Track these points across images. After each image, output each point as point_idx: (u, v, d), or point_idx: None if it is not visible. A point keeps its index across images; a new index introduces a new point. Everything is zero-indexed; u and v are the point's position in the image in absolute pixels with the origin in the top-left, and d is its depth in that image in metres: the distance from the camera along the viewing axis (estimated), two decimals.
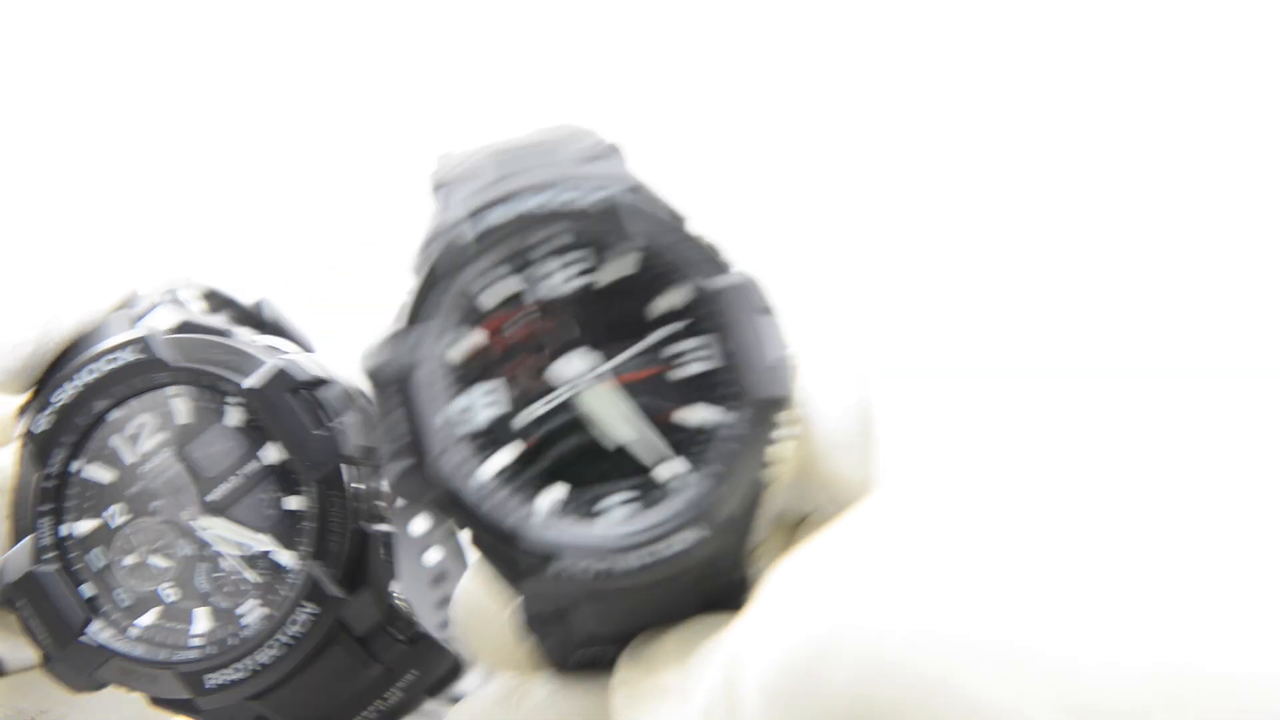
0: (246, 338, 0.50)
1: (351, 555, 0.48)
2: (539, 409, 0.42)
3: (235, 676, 0.47)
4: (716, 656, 0.39)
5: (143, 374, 0.48)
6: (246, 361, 0.49)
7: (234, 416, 0.49)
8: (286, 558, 0.49)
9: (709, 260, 0.42)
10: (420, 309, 0.42)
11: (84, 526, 0.49)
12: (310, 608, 0.47)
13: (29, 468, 0.48)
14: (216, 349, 0.49)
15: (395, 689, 0.51)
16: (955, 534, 0.33)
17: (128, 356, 0.48)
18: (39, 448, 0.48)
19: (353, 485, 0.49)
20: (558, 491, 0.42)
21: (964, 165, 0.88)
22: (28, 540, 0.48)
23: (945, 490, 0.34)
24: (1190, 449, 0.34)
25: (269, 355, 0.49)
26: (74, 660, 0.47)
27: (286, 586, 0.48)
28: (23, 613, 0.47)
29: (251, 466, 0.49)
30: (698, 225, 0.43)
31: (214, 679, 0.47)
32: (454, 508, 0.41)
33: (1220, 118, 0.86)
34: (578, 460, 0.42)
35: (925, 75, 0.90)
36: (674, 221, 0.43)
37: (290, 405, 0.47)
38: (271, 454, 0.49)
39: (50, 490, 0.48)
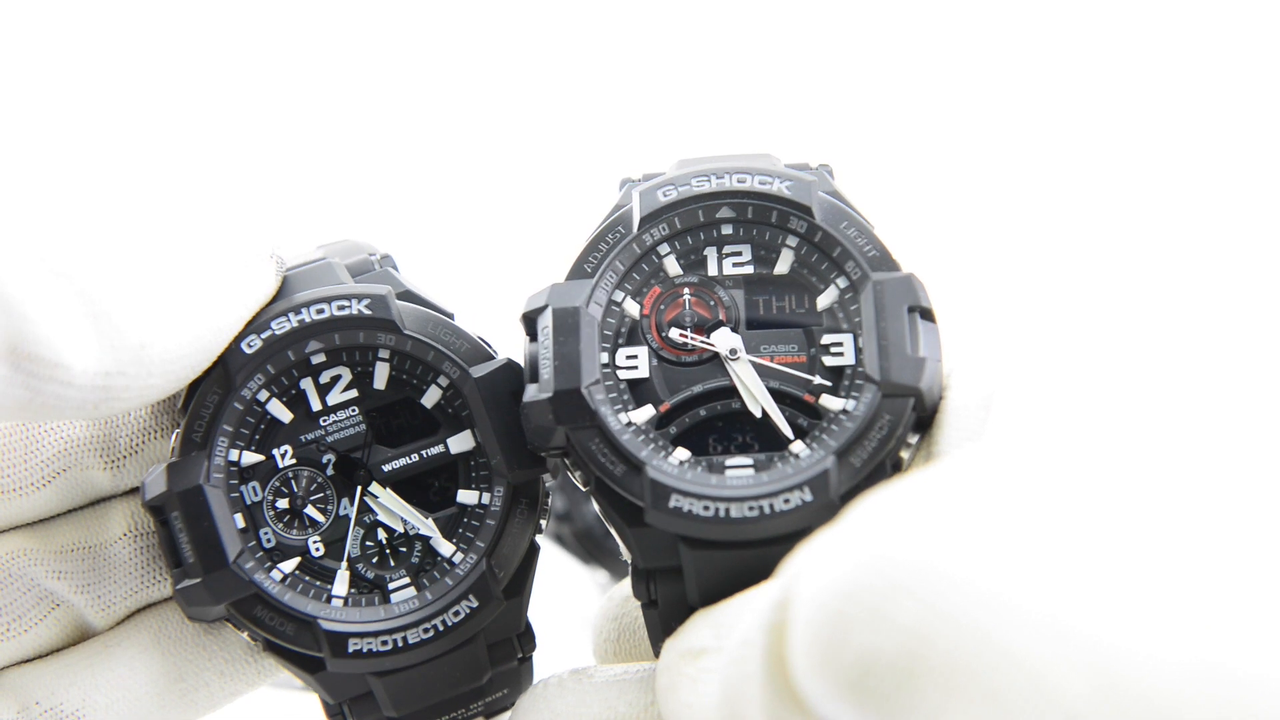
0: (463, 322, 0.49)
1: (522, 564, 0.48)
2: (689, 359, 0.47)
3: (378, 647, 0.46)
4: (775, 580, 0.37)
5: (368, 329, 0.48)
6: (471, 348, 0.49)
7: (433, 396, 0.49)
8: (445, 547, 0.48)
9: (878, 256, 0.46)
10: (586, 266, 0.47)
11: (250, 458, 0.48)
12: (472, 602, 0.47)
13: (216, 384, 0.47)
14: (444, 328, 0.49)
15: (483, 703, 0.51)
16: (1040, 505, 0.33)
17: (359, 309, 0.48)
18: (240, 368, 0.47)
19: (545, 497, 0.48)
20: (683, 454, 0.47)
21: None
22: (201, 455, 0.46)
23: (1038, 458, 0.35)
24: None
25: (488, 347, 0.49)
26: (217, 585, 0.46)
27: (447, 574, 0.48)
28: (173, 525, 0.46)
29: (435, 450, 0.49)
30: (879, 227, 0.47)
31: (357, 645, 0.46)
32: (595, 428, 0.45)
33: None
34: (702, 429, 0.47)
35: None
36: (858, 216, 0.47)
37: (509, 404, 0.47)
38: (459, 444, 0.49)
39: (236, 413, 0.47)
